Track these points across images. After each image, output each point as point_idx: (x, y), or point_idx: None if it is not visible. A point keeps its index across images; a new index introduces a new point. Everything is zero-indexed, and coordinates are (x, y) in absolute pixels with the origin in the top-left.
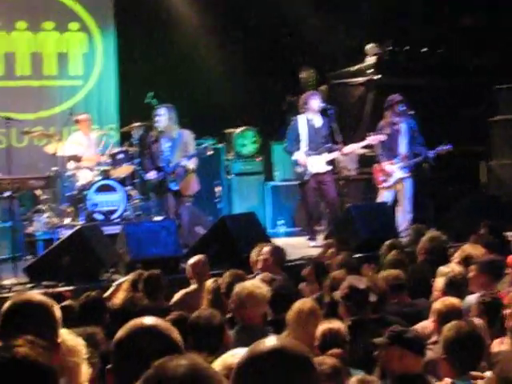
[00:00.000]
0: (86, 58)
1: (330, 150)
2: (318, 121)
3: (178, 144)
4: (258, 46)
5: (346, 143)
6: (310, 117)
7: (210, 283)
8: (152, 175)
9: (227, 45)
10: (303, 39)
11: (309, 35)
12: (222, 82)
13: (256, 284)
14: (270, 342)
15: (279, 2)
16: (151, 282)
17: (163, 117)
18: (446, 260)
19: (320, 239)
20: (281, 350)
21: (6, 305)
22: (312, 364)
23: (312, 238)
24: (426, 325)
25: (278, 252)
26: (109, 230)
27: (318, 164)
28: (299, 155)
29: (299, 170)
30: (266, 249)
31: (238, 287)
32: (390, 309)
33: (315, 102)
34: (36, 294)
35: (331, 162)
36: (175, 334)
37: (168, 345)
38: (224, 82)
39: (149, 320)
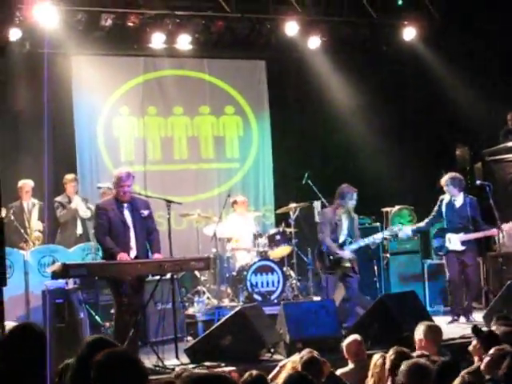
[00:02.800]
0: (242, 141)
1: (467, 231)
2: (459, 201)
3: (355, 223)
4: (413, 122)
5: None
6: (453, 197)
7: (377, 358)
8: (347, 254)
9: (383, 121)
10: (458, 116)
11: (463, 111)
12: (376, 161)
13: (423, 361)
14: None
15: (434, 78)
16: (311, 366)
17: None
18: None
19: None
20: None
21: None
22: None
23: (454, 319)
24: None
25: (433, 331)
26: (267, 310)
27: (454, 242)
28: (440, 231)
29: (435, 244)
30: (421, 328)
31: (407, 363)
32: None
33: (453, 190)
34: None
35: (469, 243)
36: None
37: None
38: (378, 161)
39: None
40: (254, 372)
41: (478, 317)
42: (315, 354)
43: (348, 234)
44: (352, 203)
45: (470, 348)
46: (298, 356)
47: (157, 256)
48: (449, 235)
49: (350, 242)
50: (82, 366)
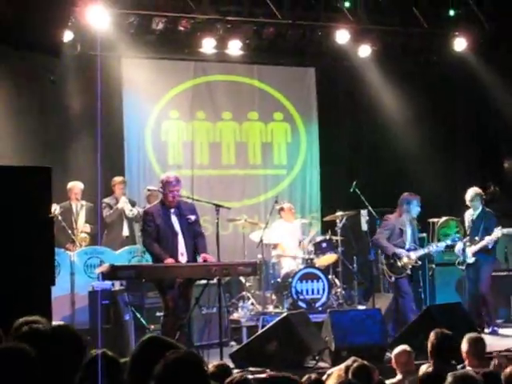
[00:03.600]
0: (290, 148)
1: (476, 242)
2: (476, 214)
3: (416, 231)
4: (462, 133)
5: None
6: (474, 212)
7: (425, 367)
8: (405, 253)
9: (432, 131)
10: (507, 127)
11: None
12: (423, 171)
13: (471, 372)
14: None
15: (484, 89)
16: (363, 374)
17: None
18: None
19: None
20: None
21: None
22: None
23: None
24: None
25: (475, 343)
26: (311, 317)
27: (469, 255)
28: (459, 245)
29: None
30: (464, 340)
31: (454, 374)
32: None
33: (479, 204)
34: None
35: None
36: None
37: None
38: (425, 171)
39: None
40: (313, 375)
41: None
42: (363, 362)
43: (413, 241)
44: (417, 210)
45: None
46: (344, 364)
47: (204, 256)
48: (467, 249)
49: (415, 248)
50: (136, 364)
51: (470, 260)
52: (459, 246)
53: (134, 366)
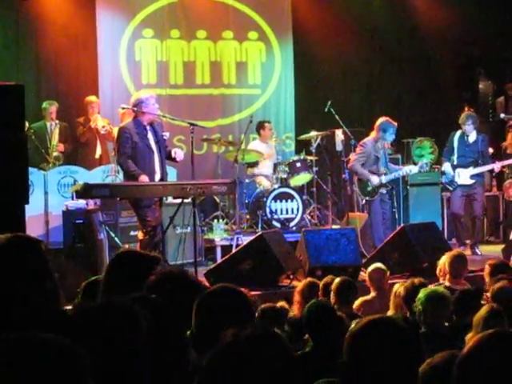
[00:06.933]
0: (264, 67)
1: (477, 165)
2: (473, 137)
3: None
4: (437, 54)
5: None
6: (466, 133)
7: (397, 287)
8: (376, 179)
9: (406, 51)
10: (482, 49)
11: (488, 45)
12: (397, 92)
13: (441, 289)
14: None
15: (462, 12)
16: (344, 289)
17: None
18: None
19: None
20: None
21: None
22: None
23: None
24: None
25: (457, 261)
26: (286, 237)
27: (464, 176)
28: (447, 166)
29: (445, 179)
30: (446, 257)
31: (425, 291)
32: None
33: (471, 127)
34: None
35: (478, 177)
36: None
37: None
38: (401, 92)
39: None
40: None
41: (494, 249)
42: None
43: (384, 166)
44: (392, 137)
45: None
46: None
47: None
48: (458, 170)
49: (386, 173)
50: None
51: (467, 181)
52: (447, 167)
53: (108, 279)
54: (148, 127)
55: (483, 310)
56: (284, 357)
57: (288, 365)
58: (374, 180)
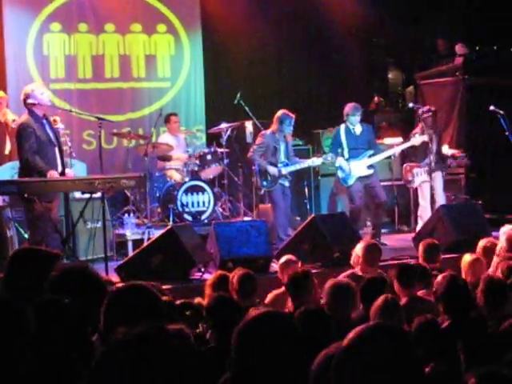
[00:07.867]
0: (174, 60)
1: (371, 155)
2: (359, 129)
3: (290, 147)
4: (345, 46)
5: None
6: (351, 126)
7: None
8: (274, 170)
9: (314, 44)
10: (392, 39)
11: (396, 34)
12: (308, 82)
13: (345, 280)
14: None
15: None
16: (245, 282)
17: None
18: None
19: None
20: None
21: None
22: None
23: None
24: None
25: (372, 249)
26: (197, 230)
27: (359, 168)
28: (342, 161)
29: (342, 174)
30: (358, 246)
31: (329, 283)
32: None
33: (357, 119)
34: None
35: (373, 167)
36: None
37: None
38: (311, 83)
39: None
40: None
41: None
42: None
43: (285, 157)
44: (290, 129)
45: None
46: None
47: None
48: (352, 164)
49: (287, 164)
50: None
51: (365, 172)
52: (341, 161)
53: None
54: (45, 121)
55: (379, 301)
56: (178, 354)
57: (182, 361)
58: (272, 170)
